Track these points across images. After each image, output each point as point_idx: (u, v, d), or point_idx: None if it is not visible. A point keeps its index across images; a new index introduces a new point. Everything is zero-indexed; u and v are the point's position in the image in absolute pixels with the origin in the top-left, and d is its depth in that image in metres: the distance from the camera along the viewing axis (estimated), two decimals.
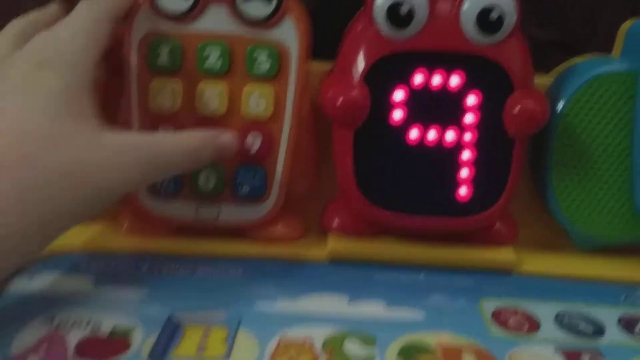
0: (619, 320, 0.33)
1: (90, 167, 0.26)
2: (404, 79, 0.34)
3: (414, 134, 0.35)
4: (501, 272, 0.36)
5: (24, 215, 0.25)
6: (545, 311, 0.33)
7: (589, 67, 0.36)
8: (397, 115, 0.34)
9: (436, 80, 0.34)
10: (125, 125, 0.34)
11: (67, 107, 0.27)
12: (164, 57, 0.33)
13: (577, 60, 0.37)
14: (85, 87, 0.28)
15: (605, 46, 0.38)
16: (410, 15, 0.33)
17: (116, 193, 0.28)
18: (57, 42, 0.29)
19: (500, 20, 0.32)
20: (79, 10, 0.30)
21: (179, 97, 0.34)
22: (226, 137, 0.32)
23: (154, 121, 0.34)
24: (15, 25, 0.31)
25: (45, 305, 0.30)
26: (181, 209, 0.35)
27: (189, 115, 0.34)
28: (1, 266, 0.26)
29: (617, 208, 0.37)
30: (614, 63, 0.36)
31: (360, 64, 0.34)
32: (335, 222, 0.37)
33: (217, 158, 0.32)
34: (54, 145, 0.26)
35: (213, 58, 0.33)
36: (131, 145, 0.29)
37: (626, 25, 0.37)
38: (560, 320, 0.33)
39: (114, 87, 0.34)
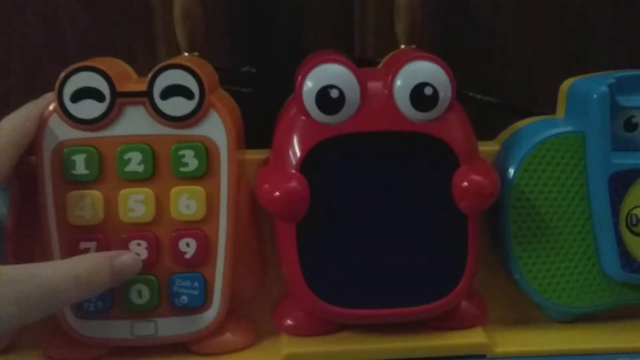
0: None
1: None
2: (344, 164, 0.32)
3: (360, 220, 0.32)
4: (474, 357, 0.34)
5: None
6: None
7: (535, 130, 0.35)
8: (341, 202, 0.32)
9: (377, 162, 0.32)
10: (45, 243, 0.31)
11: None
12: (80, 166, 0.31)
13: (522, 123, 0.36)
14: None
15: (547, 104, 0.37)
16: (341, 99, 0.31)
17: None
18: None
19: (435, 95, 0.31)
20: None
21: (100, 207, 0.31)
22: (126, 257, 0.30)
23: (74, 236, 0.31)
24: None
25: None
26: (114, 329, 0.32)
27: (114, 226, 0.31)
28: None
29: (584, 273, 0.35)
30: (559, 124, 0.35)
31: (295, 152, 0.32)
32: (288, 322, 0.34)
33: (116, 281, 0.29)
34: None
35: (135, 162, 0.31)
36: (3, 279, 0.26)
37: (567, 84, 0.36)
38: None
39: (29, 204, 0.31)
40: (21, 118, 0.30)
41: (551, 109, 0.37)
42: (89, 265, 0.28)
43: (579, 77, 0.36)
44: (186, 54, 0.36)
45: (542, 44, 0.43)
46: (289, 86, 0.34)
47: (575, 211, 0.34)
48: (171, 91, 0.31)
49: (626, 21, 0.43)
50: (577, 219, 0.34)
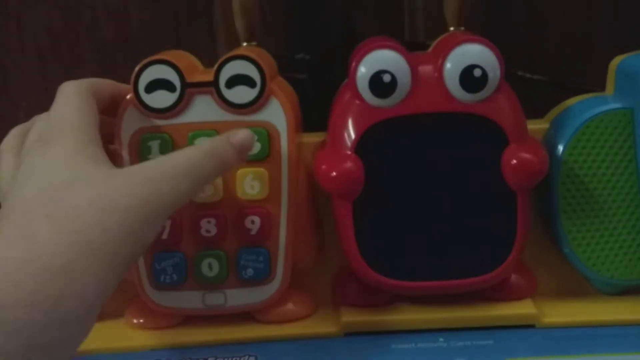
0: None
1: (117, 193, 0.26)
2: (397, 145, 0.34)
3: (413, 198, 0.34)
4: (523, 327, 0.35)
5: (78, 253, 0.25)
6: None
7: (583, 108, 0.36)
8: (394, 181, 0.34)
9: (429, 142, 0.34)
10: None
11: (81, 159, 0.28)
12: (155, 150, 0.33)
13: (571, 101, 0.37)
14: (92, 144, 0.29)
15: (597, 82, 0.37)
16: (393, 83, 0.33)
17: (159, 209, 0.27)
18: (51, 121, 0.29)
19: (484, 76, 0.32)
20: (60, 91, 0.31)
21: None
22: (240, 133, 0.31)
23: None
24: (8, 140, 0.31)
25: None
26: (188, 299, 0.35)
27: (186, 206, 0.33)
28: (91, 315, 0.25)
29: (634, 247, 0.36)
30: (608, 101, 0.35)
31: (350, 135, 0.34)
32: (346, 294, 0.36)
33: (241, 156, 0.31)
34: (77, 185, 0.26)
35: None
36: (153, 164, 0.29)
37: (616, 61, 0.36)
38: None
39: None
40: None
41: (601, 86, 0.37)
42: (213, 143, 0.30)
43: (628, 54, 0.36)
44: (245, 44, 0.38)
45: (591, 20, 0.43)
46: (342, 72, 0.35)
47: (624, 186, 0.35)
48: (235, 80, 0.33)
49: None
50: (626, 194, 0.35)
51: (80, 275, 0.24)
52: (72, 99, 0.30)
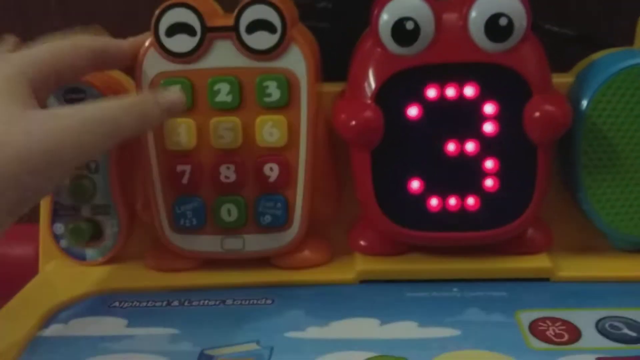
0: None
1: (12, 139, 0.26)
2: (417, 95, 0.33)
3: (432, 149, 0.34)
4: (537, 281, 0.35)
5: None
6: (585, 318, 0.32)
7: (610, 62, 0.35)
8: (414, 131, 0.34)
9: (450, 92, 0.33)
10: (145, 166, 0.34)
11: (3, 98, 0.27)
12: None
13: (597, 55, 0.36)
14: (23, 84, 0.28)
15: (625, 39, 0.37)
16: (416, 31, 0.32)
17: (65, 160, 0.27)
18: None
19: (510, 26, 0.32)
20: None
21: (193, 134, 0.34)
22: (170, 93, 0.32)
23: (171, 160, 0.34)
24: None
25: (80, 350, 0.31)
26: (207, 243, 0.35)
27: (206, 151, 0.34)
28: None
29: None
30: (635, 56, 0.35)
31: (371, 84, 0.33)
32: (362, 243, 0.37)
33: (165, 114, 0.31)
34: None
35: (224, 93, 0.34)
36: (63, 113, 0.28)
37: None
38: (601, 327, 0.31)
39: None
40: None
41: (629, 42, 0.36)
42: (136, 98, 0.31)
43: None
44: None
45: None
46: (365, 20, 0.35)
47: None
48: (256, 26, 0.33)
49: None
50: None
51: None
52: (52, 42, 0.30)
